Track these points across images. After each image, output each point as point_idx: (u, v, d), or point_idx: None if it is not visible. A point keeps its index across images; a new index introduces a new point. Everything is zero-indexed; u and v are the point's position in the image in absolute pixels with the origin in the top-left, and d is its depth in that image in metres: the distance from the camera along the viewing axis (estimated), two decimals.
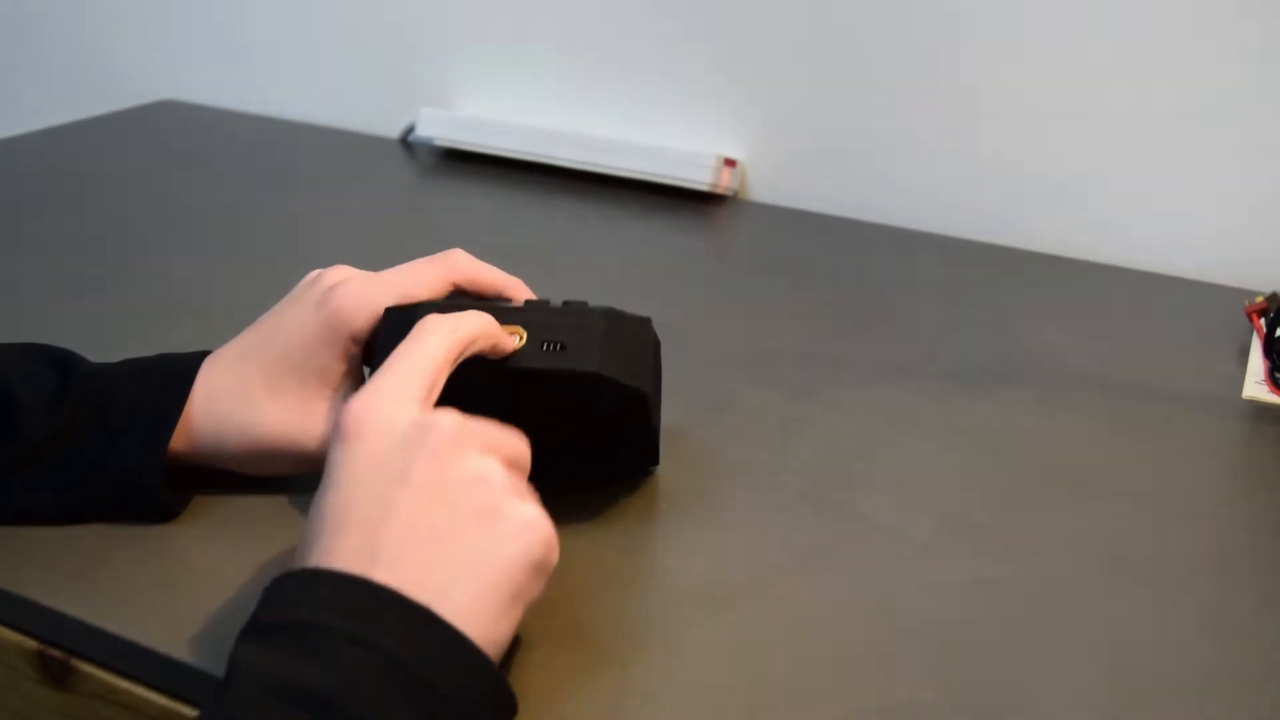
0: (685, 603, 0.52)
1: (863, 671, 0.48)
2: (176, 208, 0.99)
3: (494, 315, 0.53)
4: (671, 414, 0.59)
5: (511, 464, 0.47)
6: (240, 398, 0.55)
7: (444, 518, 0.43)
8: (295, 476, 0.57)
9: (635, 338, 0.55)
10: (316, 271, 0.58)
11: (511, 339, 0.52)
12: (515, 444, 0.47)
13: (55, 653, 0.52)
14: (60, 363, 0.56)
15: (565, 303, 0.55)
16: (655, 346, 0.57)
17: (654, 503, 0.59)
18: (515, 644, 0.48)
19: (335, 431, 0.45)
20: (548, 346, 0.52)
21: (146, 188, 1.04)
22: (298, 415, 0.55)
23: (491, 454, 0.46)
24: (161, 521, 0.55)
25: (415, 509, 0.43)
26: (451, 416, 0.45)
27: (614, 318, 0.54)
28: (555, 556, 0.45)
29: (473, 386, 0.51)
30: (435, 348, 0.48)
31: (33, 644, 0.53)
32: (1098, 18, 0.89)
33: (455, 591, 0.42)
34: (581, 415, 0.56)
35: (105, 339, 0.60)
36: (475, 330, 0.50)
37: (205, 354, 0.57)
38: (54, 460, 0.54)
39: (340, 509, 0.43)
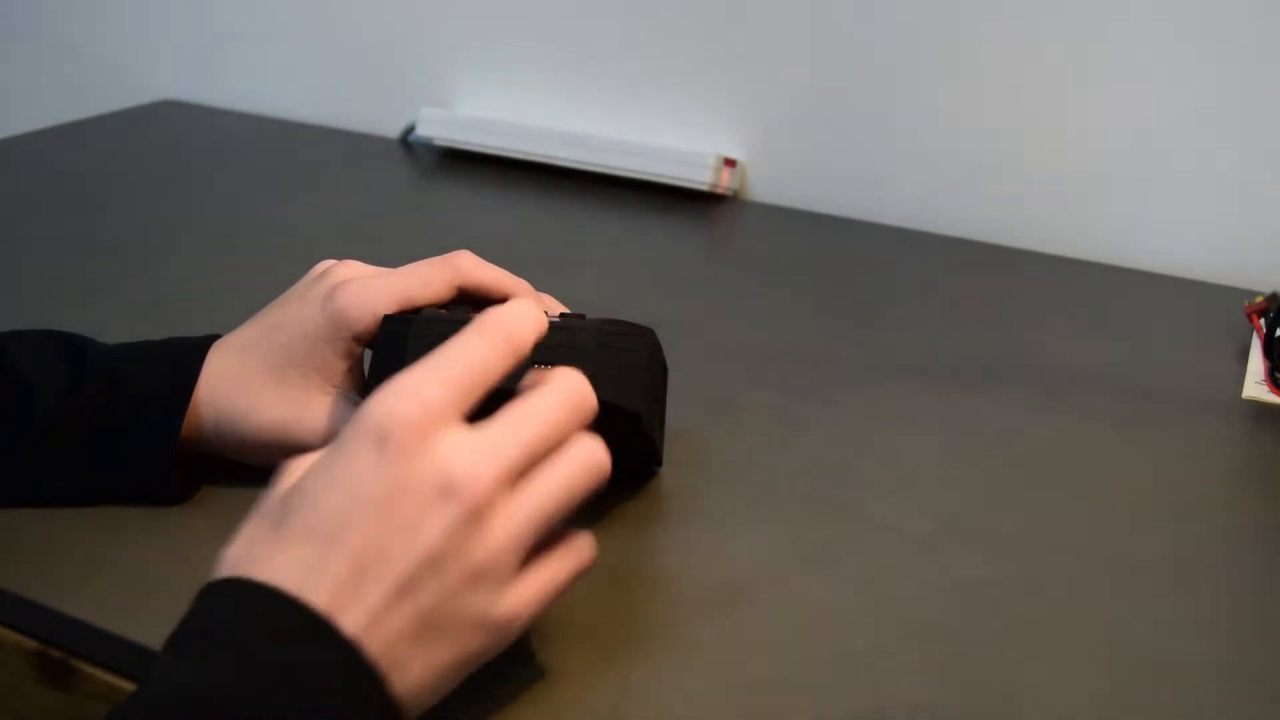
0: (686, 603, 0.52)
1: (863, 671, 0.48)
2: (176, 208, 0.99)
3: None
4: (672, 414, 0.59)
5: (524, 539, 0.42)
6: (240, 387, 0.56)
7: (433, 596, 0.40)
8: None
9: (631, 351, 0.54)
10: (326, 263, 0.59)
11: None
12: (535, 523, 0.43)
13: (55, 653, 0.52)
14: (74, 348, 0.57)
15: (563, 315, 0.55)
16: (655, 356, 0.56)
17: (654, 503, 0.59)
18: (516, 644, 0.48)
19: (359, 425, 0.40)
20: (539, 368, 0.52)
21: (146, 188, 1.04)
22: (296, 408, 0.56)
23: (511, 543, 0.41)
24: (170, 505, 0.56)
25: (411, 571, 0.40)
26: (487, 487, 0.40)
27: (609, 333, 0.53)
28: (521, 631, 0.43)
29: None
30: (487, 360, 0.42)
31: (33, 644, 0.53)
32: (1097, 18, 0.89)
33: (415, 666, 0.40)
34: None
35: (105, 339, 0.60)
36: (528, 340, 0.44)
37: (213, 339, 0.58)
38: (68, 445, 0.55)
39: (338, 521, 0.40)
